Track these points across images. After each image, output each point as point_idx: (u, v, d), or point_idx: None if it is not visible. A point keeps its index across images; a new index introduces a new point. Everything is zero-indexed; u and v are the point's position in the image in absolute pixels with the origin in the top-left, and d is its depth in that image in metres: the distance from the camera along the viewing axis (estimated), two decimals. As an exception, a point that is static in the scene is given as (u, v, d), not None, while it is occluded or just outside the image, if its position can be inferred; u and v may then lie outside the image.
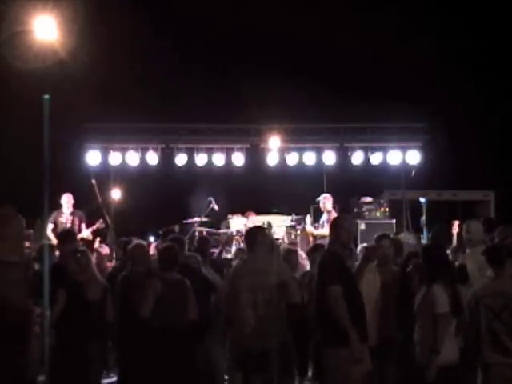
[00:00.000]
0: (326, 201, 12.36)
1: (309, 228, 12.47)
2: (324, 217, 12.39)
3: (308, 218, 12.73)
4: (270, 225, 12.51)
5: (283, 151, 14.72)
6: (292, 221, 13.07)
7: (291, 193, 13.82)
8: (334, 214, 12.00)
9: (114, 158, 14.42)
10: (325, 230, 11.57)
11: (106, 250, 9.29)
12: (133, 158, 14.45)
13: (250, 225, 11.30)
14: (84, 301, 6.34)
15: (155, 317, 6.27)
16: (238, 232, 12.44)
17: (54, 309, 6.04)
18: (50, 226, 10.96)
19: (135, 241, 7.73)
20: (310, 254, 7.98)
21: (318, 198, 12.51)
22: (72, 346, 6.19)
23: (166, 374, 6.23)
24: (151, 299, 6.31)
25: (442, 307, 5.51)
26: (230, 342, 6.65)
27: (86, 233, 11.40)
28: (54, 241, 8.93)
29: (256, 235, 6.41)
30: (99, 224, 11.63)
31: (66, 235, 7.66)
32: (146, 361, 6.28)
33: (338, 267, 5.88)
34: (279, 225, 13.12)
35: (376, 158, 14.73)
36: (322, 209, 12.42)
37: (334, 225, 6.30)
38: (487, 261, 5.82)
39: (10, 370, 4.61)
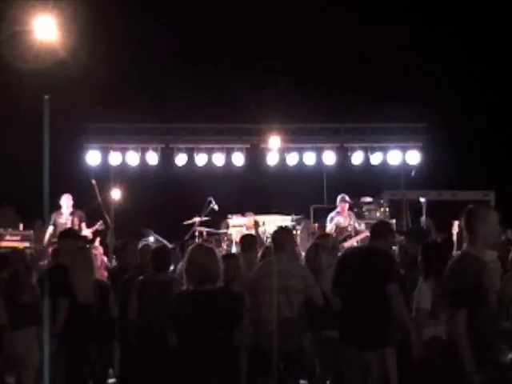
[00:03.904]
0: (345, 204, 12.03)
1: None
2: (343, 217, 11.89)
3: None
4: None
5: (283, 151, 14.71)
6: (292, 221, 13.05)
7: (291, 193, 13.79)
8: (352, 216, 11.90)
9: (114, 158, 14.42)
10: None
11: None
12: (133, 158, 14.45)
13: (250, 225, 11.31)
14: (17, 305, 5.95)
15: (145, 320, 6.11)
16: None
17: None
18: (50, 229, 10.95)
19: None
20: None
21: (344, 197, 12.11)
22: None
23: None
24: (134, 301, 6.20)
25: (424, 303, 5.55)
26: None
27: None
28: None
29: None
30: (98, 226, 11.58)
31: None
32: (141, 363, 6.14)
33: None
34: (279, 225, 13.06)
35: (376, 158, 14.73)
36: (340, 209, 12.02)
37: None
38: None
39: None
